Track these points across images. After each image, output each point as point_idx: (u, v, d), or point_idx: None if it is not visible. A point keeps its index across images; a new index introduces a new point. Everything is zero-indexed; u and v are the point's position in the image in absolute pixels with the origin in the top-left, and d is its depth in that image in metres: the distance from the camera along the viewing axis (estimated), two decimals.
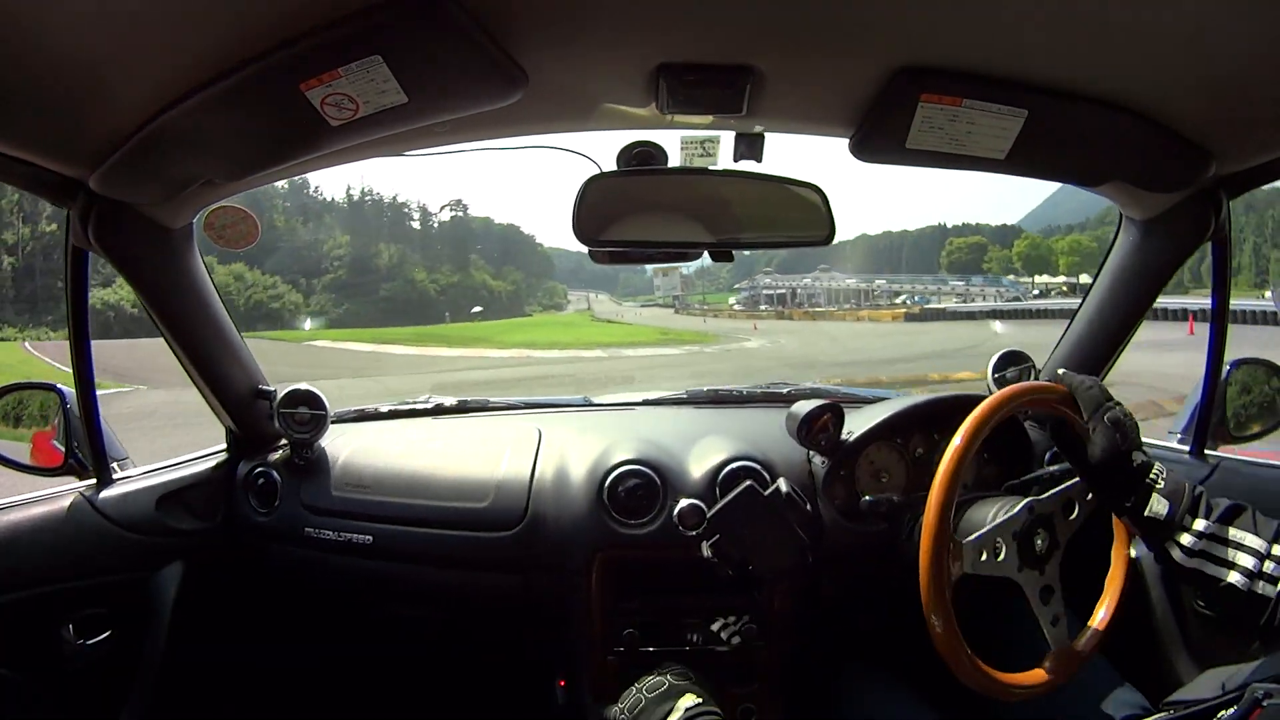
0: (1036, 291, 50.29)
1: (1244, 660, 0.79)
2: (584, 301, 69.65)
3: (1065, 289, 49.06)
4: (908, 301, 47.52)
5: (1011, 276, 58.15)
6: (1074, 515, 0.93)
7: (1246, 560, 0.77)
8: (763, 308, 52.49)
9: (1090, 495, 0.92)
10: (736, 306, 55.56)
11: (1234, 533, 0.78)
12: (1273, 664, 0.68)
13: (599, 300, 71.28)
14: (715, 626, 1.21)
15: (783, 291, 56.20)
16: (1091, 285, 1.30)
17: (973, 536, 0.88)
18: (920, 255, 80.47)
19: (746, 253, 1.15)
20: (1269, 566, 0.76)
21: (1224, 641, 1.17)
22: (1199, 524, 0.79)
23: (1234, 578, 0.77)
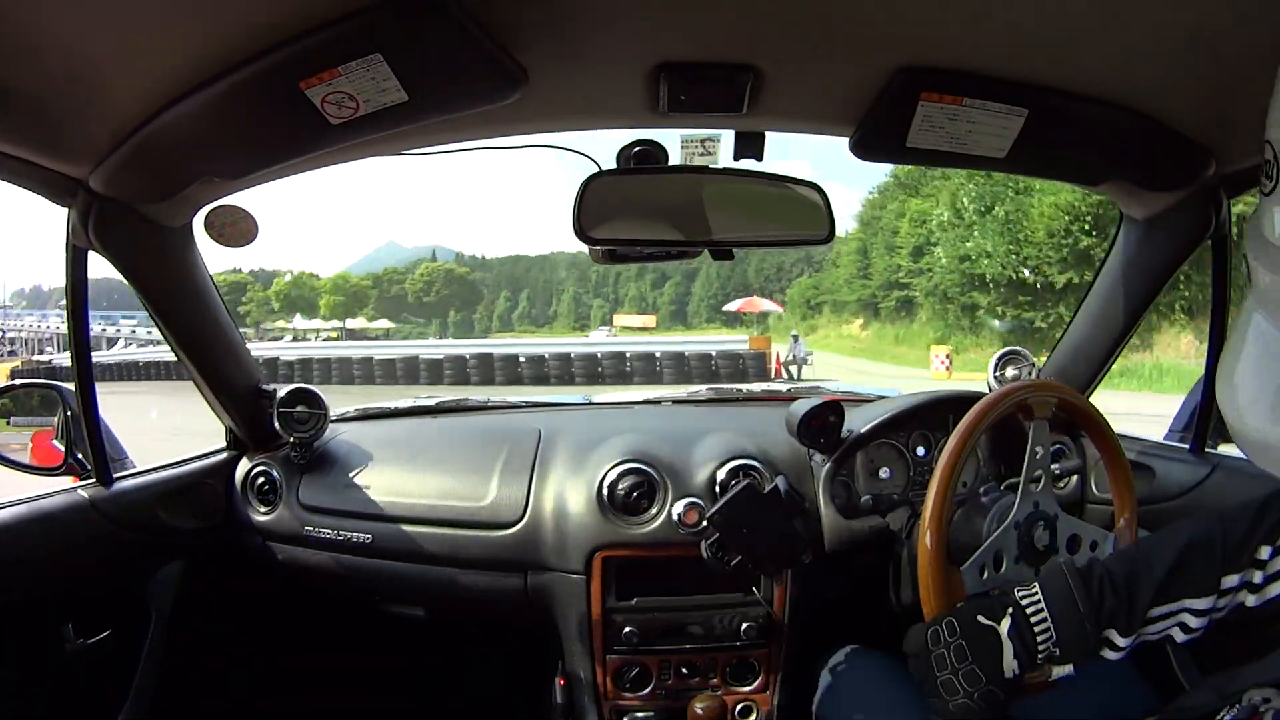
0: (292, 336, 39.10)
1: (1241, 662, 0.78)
2: None
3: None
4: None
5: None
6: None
7: None
8: None
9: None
10: None
11: None
12: (1266, 668, 0.68)
13: None
14: (715, 626, 1.21)
15: None
16: (1092, 284, 1.31)
17: (969, 563, 0.87)
18: None
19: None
20: None
21: (1231, 642, 1.17)
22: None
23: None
